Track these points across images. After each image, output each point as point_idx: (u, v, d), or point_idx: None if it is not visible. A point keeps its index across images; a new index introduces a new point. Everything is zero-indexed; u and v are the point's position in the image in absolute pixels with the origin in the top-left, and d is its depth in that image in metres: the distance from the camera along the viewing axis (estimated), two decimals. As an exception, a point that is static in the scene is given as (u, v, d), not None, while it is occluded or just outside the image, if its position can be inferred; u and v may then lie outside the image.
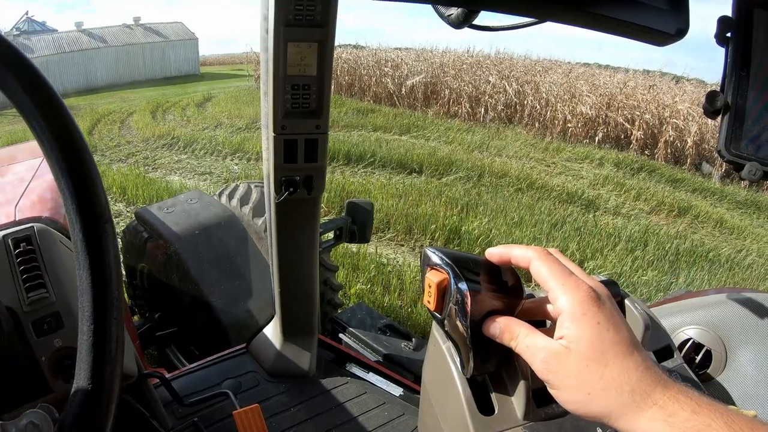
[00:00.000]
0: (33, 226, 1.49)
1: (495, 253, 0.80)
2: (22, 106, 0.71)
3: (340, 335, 2.88)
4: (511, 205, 7.93)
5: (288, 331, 2.29)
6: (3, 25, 39.45)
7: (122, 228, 3.33)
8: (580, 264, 6.02)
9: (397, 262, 5.97)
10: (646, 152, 13.45)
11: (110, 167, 10.64)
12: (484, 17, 0.88)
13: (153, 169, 10.62)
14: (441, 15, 0.93)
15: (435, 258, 0.81)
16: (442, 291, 0.79)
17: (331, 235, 2.70)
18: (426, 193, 8.11)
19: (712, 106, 0.95)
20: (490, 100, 16.36)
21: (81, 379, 0.70)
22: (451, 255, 0.79)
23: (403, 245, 6.58)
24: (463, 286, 0.76)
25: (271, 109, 1.38)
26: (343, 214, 2.63)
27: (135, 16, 52.78)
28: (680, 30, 0.81)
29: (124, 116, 18.30)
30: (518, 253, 0.77)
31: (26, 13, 46.58)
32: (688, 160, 12.97)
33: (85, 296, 0.71)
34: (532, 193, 8.81)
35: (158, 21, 48.66)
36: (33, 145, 2.85)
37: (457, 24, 0.91)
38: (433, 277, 0.79)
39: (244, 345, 2.48)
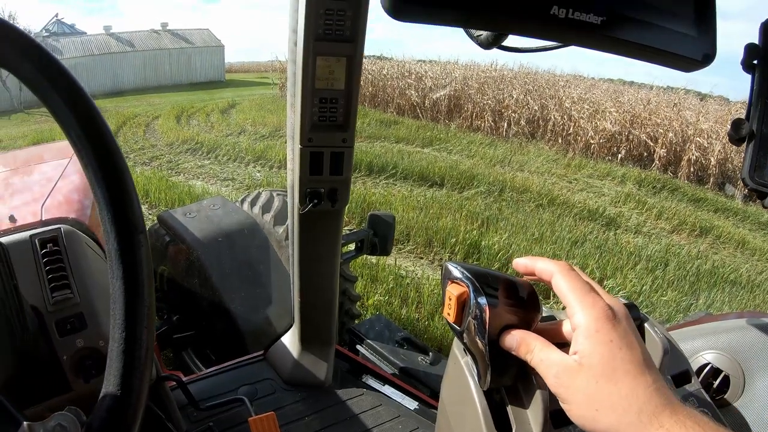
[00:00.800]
0: (60, 228, 1.51)
1: (521, 264, 0.83)
2: (62, 119, 0.73)
3: (358, 346, 2.88)
4: (532, 220, 7.91)
5: (306, 340, 2.30)
6: (33, 26, 40.03)
7: None
8: (600, 282, 5.93)
9: (416, 274, 5.95)
10: (669, 170, 13.35)
11: (134, 169, 10.71)
12: (513, 38, 0.89)
13: (176, 173, 10.69)
14: (471, 36, 0.93)
15: (456, 272, 0.83)
16: (462, 304, 0.81)
17: (352, 246, 2.71)
18: (447, 207, 8.09)
19: (737, 133, 0.95)
20: (513, 114, 16.32)
21: (110, 384, 0.71)
22: (471, 269, 0.81)
23: (422, 258, 6.57)
24: (482, 300, 0.78)
25: (298, 121, 1.39)
26: (365, 226, 2.64)
27: (162, 21, 53.54)
28: (707, 56, 0.81)
29: (150, 120, 18.46)
30: (542, 266, 0.80)
31: (56, 15, 47.36)
32: (711, 180, 12.86)
33: (117, 304, 0.73)
34: (553, 209, 8.77)
35: (185, 27, 49.20)
36: (60, 146, 2.90)
37: (487, 45, 0.92)
38: (453, 291, 0.81)
39: (261, 352, 2.49)
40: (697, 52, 0.78)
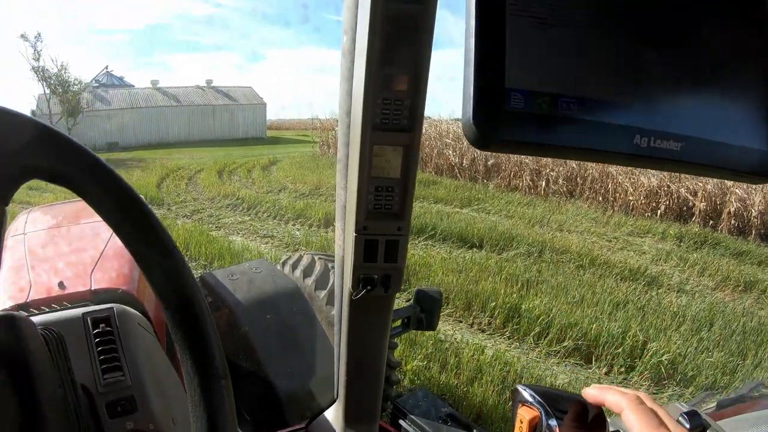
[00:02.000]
0: (113, 308, 1.52)
1: (591, 395, 0.84)
2: (149, 268, 0.74)
3: (401, 421, 2.84)
4: (572, 282, 7.81)
5: (350, 418, 2.26)
6: (84, 76, 41.63)
7: None
8: (643, 346, 5.91)
9: (455, 339, 5.90)
10: (709, 224, 13.11)
11: (175, 221, 10.95)
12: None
13: (216, 227, 10.87)
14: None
15: (527, 395, 0.85)
16: (533, 427, 0.83)
17: (398, 321, 2.69)
18: (486, 269, 8.04)
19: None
20: (551, 173, 16.28)
21: None
22: (541, 392, 0.83)
23: (461, 321, 6.53)
24: (553, 422, 0.80)
25: (353, 207, 1.39)
26: (411, 302, 2.62)
27: (207, 78, 55.41)
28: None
29: (192, 173, 18.89)
30: (612, 399, 0.81)
31: (106, 67, 49.61)
32: (753, 231, 12.61)
33: None
34: (593, 269, 8.66)
35: (229, 84, 50.85)
36: None
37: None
38: (525, 414, 0.84)
39: (303, 425, 2.46)
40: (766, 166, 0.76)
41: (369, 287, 1.53)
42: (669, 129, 0.63)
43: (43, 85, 38.31)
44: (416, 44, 1.13)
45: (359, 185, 1.34)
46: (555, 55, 0.60)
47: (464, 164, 18.31)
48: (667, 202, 13.99)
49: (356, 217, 1.39)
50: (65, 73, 38.46)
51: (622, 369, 5.59)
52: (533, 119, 0.60)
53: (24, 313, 0.82)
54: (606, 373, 5.55)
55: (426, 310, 2.55)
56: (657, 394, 5.23)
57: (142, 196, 0.77)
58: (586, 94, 0.61)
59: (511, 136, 0.60)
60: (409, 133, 1.26)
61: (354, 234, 1.41)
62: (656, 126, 0.63)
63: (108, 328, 1.45)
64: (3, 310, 0.79)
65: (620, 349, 5.80)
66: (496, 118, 0.59)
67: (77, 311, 1.49)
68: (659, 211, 13.77)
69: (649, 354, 5.69)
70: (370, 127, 1.24)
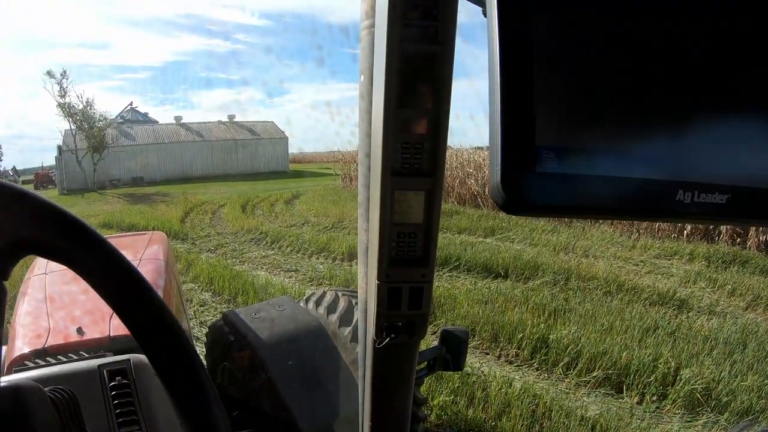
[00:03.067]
0: (129, 359, 1.49)
1: None
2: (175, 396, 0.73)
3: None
4: (600, 309, 7.69)
5: (375, 459, 2.21)
6: (109, 112, 42.74)
7: (208, 324, 3.36)
8: (675, 373, 5.79)
9: (482, 372, 5.80)
10: (737, 242, 12.88)
11: (199, 256, 11.03)
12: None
13: (240, 262, 10.93)
14: None
15: None
16: None
17: (423, 363, 2.64)
18: (512, 299, 7.97)
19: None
20: (573, 200, 16.18)
21: None
22: None
23: (488, 353, 6.46)
24: None
25: (376, 255, 1.35)
26: (437, 342, 2.57)
27: (230, 113, 56.65)
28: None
29: (216, 207, 19.19)
30: None
31: (131, 104, 51.68)
32: (782, 246, 12.33)
33: None
34: (621, 295, 8.53)
35: (251, 119, 52.01)
36: (128, 241, 2.93)
37: None
38: None
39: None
40: None
41: (393, 335, 1.48)
42: (714, 181, 0.59)
43: (69, 121, 39.41)
44: (435, 86, 1.09)
45: (381, 232, 1.30)
46: (588, 107, 0.56)
47: (486, 193, 18.26)
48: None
49: (378, 264, 1.35)
50: (90, 109, 39.65)
51: (654, 397, 5.47)
52: (568, 180, 0.55)
53: (31, 381, 0.79)
54: (638, 403, 5.44)
55: (452, 351, 2.49)
56: (691, 422, 5.12)
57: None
58: (624, 148, 0.57)
59: (544, 199, 0.56)
60: (430, 177, 1.23)
61: (377, 282, 1.37)
62: (700, 178, 0.59)
63: (124, 381, 1.42)
64: (10, 380, 0.76)
65: (652, 377, 5.68)
66: (526, 181, 0.54)
67: (93, 363, 1.47)
68: (686, 232, 13.59)
69: (682, 381, 5.56)
70: (390, 173, 1.20)
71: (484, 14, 0.94)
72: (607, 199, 0.57)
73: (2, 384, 0.74)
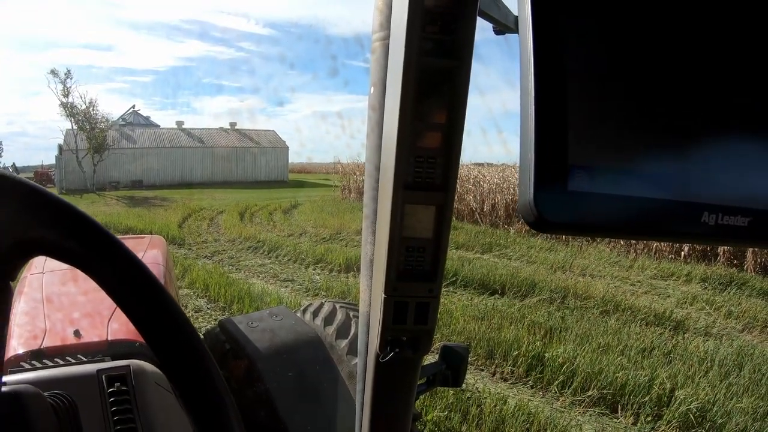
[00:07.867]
0: (129, 365, 1.47)
1: None
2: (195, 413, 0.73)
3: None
4: (597, 329, 7.69)
5: (372, 475, 2.19)
6: (111, 113, 42.87)
7: (203, 331, 3.34)
8: (670, 393, 5.79)
9: (477, 388, 5.79)
10: (734, 264, 12.91)
11: (195, 262, 11.01)
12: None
13: (236, 269, 10.92)
14: None
15: None
16: None
17: (422, 379, 2.63)
18: (508, 316, 7.96)
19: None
20: (571, 218, 16.21)
21: None
22: None
23: (483, 370, 6.46)
24: None
25: (383, 268, 1.34)
26: (437, 358, 2.57)
27: (231, 121, 56.92)
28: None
29: (214, 214, 19.23)
30: None
31: (133, 107, 51.97)
32: (779, 268, 12.36)
33: None
34: (617, 315, 8.54)
35: (253, 127, 52.18)
36: (128, 244, 2.92)
37: None
38: None
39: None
40: None
41: (397, 349, 1.48)
42: (736, 203, 0.59)
43: (71, 120, 39.40)
44: (451, 100, 1.09)
45: (390, 245, 1.29)
46: (619, 126, 0.56)
47: (485, 209, 18.34)
48: (691, 243, 13.76)
49: (386, 277, 1.34)
50: (93, 110, 39.62)
51: (649, 418, 5.45)
52: (598, 199, 0.55)
53: (32, 387, 0.78)
54: (633, 423, 5.42)
55: (452, 367, 2.49)
56: (685, 444, 5.11)
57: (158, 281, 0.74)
58: (653, 169, 0.57)
59: (574, 218, 0.55)
60: (442, 192, 1.22)
61: (383, 295, 1.36)
62: (724, 201, 0.59)
63: (123, 388, 1.40)
64: (10, 385, 0.75)
65: (647, 398, 5.67)
66: (558, 198, 0.54)
67: (92, 367, 1.45)
68: (683, 253, 13.60)
69: (677, 402, 5.56)
70: (401, 186, 1.19)
71: (495, 31, 0.95)
72: (635, 219, 0.57)
73: (3, 389, 0.73)
